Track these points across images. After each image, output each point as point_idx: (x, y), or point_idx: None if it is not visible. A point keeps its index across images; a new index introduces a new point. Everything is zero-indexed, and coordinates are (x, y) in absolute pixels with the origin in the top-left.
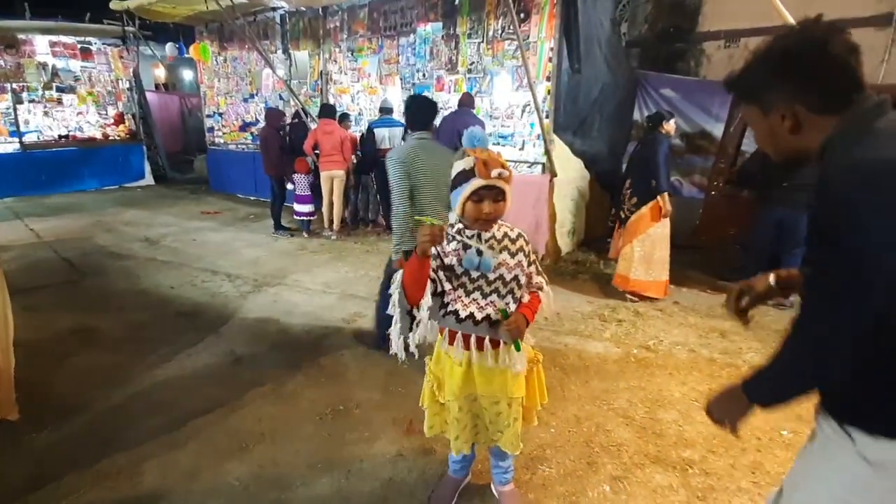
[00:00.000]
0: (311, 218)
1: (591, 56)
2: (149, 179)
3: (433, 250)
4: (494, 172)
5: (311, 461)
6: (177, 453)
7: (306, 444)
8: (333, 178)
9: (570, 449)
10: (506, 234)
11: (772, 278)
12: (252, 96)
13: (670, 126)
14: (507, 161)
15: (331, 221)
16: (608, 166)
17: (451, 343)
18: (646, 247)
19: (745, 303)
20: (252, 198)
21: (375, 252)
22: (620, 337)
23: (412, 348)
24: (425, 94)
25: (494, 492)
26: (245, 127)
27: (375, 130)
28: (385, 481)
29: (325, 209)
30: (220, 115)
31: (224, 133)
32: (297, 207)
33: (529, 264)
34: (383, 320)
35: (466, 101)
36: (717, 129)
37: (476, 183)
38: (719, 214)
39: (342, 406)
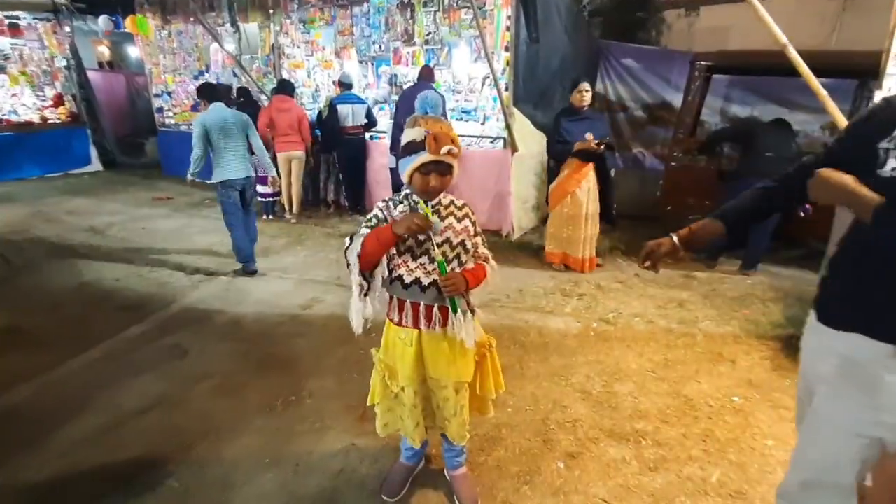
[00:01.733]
0: (275, 199)
1: (549, 25)
2: (96, 165)
3: (379, 214)
4: (444, 149)
5: (258, 457)
6: (114, 455)
7: (254, 438)
8: (292, 160)
9: (526, 428)
10: (452, 202)
11: (675, 238)
12: (202, 73)
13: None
14: (467, 136)
15: (290, 204)
16: None
17: (399, 319)
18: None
19: (652, 261)
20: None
21: (336, 234)
22: (581, 311)
23: (368, 312)
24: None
25: (447, 475)
26: (196, 107)
27: (338, 107)
28: (335, 473)
29: (283, 191)
30: (169, 94)
31: (175, 113)
32: (259, 188)
33: (476, 234)
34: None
35: (426, 75)
36: (678, 99)
37: (425, 157)
38: (679, 184)
39: (293, 396)
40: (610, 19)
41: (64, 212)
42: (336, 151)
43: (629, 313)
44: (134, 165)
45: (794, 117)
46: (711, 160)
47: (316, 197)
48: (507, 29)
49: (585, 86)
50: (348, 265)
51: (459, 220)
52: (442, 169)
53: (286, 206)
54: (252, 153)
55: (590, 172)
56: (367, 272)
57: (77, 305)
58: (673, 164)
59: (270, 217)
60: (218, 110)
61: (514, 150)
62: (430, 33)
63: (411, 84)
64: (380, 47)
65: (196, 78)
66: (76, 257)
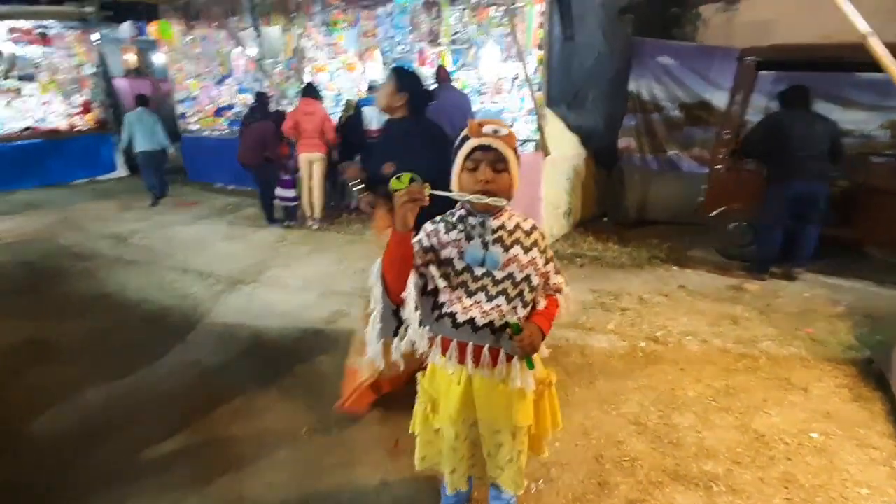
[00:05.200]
0: (296, 203)
1: (584, 22)
2: (121, 171)
3: (425, 241)
4: (488, 129)
5: (284, 496)
6: (128, 491)
7: (278, 473)
8: (313, 162)
9: (579, 467)
10: (518, 226)
11: None
12: (224, 78)
13: None
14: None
15: (311, 209)
16: (604, 142)
17: (443, 354)
18: None
19: None
20: (231, 187)
21: (360, 241)
22: (625, 328)
23: (396, 356)
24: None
25: None
26: (220, 112)
27: (363, 109)
28: None
29: (304, 196)
30: (193, 99)
31: (198, 119)
32: (280, 192)
33: (546, 262)
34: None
35: (445, 77)
36: (717, 98)
37: (469, 144)
38: (725, 189)
39: (319, 423)
40: (642, 15)
41: (89, 219)
42: (360, 155)
43: (679, 331)
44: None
45: (847, 115)
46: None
47: (339, 203)
48: (541, 26)
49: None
50: (372, 293)
51: (527, 251)
52: (493, 159)
53: (307, 211)
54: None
55: None
56: (398, 305)
57: (100, 317)
58: (718, 167)
59: (292, 223)
60: None
61: (546, 153)
62: (456, 33)
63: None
64: (404, 49)
65: (219, 83)
66: (100, 266)
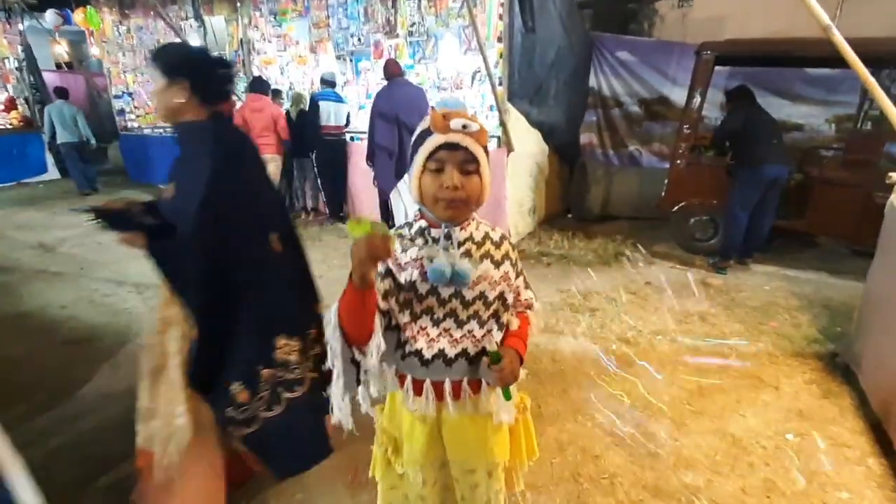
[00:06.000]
0: None
1: (545, 14)
2: (53, 173)
3: (379, 266)
4: (456, 123)
5: None
6: None
7: None
8: (267, 164)
9: (556, 489)
10: (487, 236)
11: None
12: None
13: None
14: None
15: None
16: (567, 138)
17: (416, 394)
18: None
19: None
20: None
21: (319, 245)
22: (596, 330)
23: (365, 408)
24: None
25: None
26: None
27: (321, 104)
28: None
29: None
30: (130, 95)
31: (138, 116)
32: None
33: (517, 275)
34: None
35: (395, 71)
36: (675, 94)
37: (432, 142)
38: (685, 184)
39: None
40: (600, 10)
41: (12, 226)
42: (314, 153)
43: (649, 331)
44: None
45: (797, 110)
46: (719, 157)
47: (292, 204)
48: (500, 17)
49: None
50: (330, 347)
51: (498, 265)
52: (461, 159)
53: None
54: None
55: None
56: (359, 348)
57: (15, 342)
58: (678, 162)
59: None
60: None
61: (510, 149)
62: (413, 24)
63: (385, 84)
64: (359, 40)
65: None
66: (20, 281)
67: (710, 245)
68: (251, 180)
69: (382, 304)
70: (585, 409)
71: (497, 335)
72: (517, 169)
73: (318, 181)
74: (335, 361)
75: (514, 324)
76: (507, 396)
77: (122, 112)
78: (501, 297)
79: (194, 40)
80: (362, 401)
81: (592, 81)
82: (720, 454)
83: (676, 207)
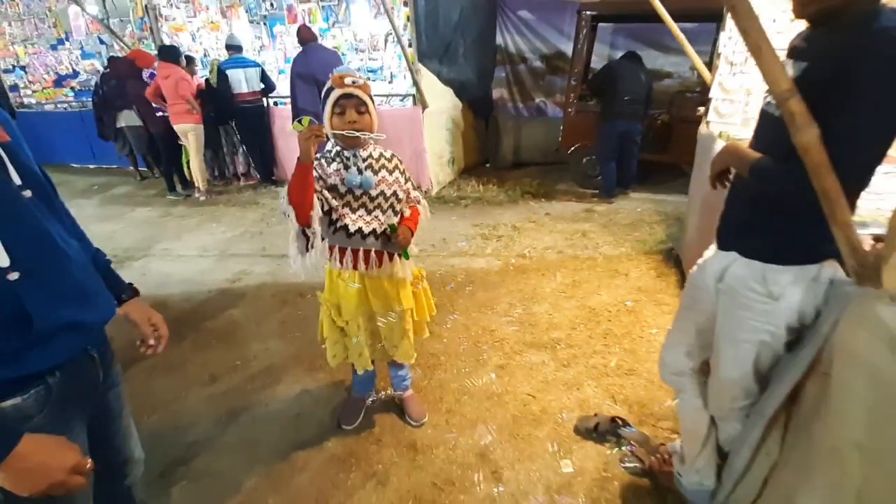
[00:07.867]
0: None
1: None
2: None
3: (315, 172)
4: (348, 80)
5: (212, 417)
6: None
7: (203, 404)
8: (187, 134)
9: (461, 353)
10: (381, 154)
11: None
12: (61, 42)
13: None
14: (376, 95)
15: (193, 181)
16: (479, 93)
17: (341, 262)
18: None
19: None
20: (91, 166)
21: (253, 207)
22: (500, 250)
23: (308, 268)
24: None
25: (396, 399)
26: (61, 81)
27: (228, 73)
28: (293, 417)
29: (186, 168)
30: (23, 68)
31: (34, 91)
32: None
33: (406, 181)
34: None
35: (308, 36)
36: (570, 49)
37: (335, 94)
38: (576, 129)
39: (238, 361)
40: None
41: None
42: (234, 121)
43: (542, 247)
44: None
45: (667, 60)
46: (600, 106)
47: (223, 171)
48: None
49: None
50: (286, 215)
51: (391, 172)
52: (356, 103)
53: (194, 184)
54: None
55: None
56: (305, 226)
57: None
58: (569, 110)
59: (173, 195)
60: None
61: (425, 106)
62: None
63: (300, 50)
64: (271, 5)
65: (54, 48)
66: None
67: (599, 181)
68: None
69: (318, 195)
70: (488, 303)
71: (394, 219)
72: (433, 124)
73: (244, 147)
74: (291, 229)
75: (407, 212)
76: (406, 256)
77: (15, 88)
78: (395, 194)
79: (92, 7)
80: (307, 262)
81: (499, 39)
82: (579, 319)
83: (571, 150)
